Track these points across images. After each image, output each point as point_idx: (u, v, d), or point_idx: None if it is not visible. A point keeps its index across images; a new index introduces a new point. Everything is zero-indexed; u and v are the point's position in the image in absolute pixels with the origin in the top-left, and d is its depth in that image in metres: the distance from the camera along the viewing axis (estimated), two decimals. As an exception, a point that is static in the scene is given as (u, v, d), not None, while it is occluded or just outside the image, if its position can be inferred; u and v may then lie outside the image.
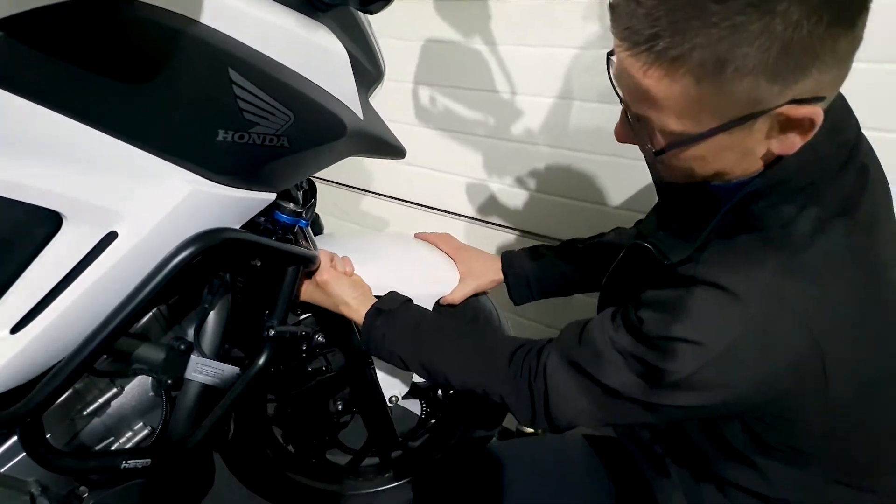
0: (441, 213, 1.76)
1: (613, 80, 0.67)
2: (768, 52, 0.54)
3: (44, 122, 0.63)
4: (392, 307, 0.94)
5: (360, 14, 0.93)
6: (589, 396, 0.77)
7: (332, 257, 1.00)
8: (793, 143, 0.61)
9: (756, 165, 0.66)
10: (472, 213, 1.69)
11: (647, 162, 0.85)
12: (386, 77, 0.99)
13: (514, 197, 1.60)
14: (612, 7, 0.61)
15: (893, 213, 0.74)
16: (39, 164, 0.65)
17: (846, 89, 0.66)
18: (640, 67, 0.60)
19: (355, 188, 1.96)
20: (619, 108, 0.72)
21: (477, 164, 1.64)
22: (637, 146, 0.72)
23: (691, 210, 0.74)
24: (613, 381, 0.74)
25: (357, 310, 0.95)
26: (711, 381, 0.67)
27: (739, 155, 0.65)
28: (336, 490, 1.35)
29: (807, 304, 0.64)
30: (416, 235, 1.24)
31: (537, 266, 1.17)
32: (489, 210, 1.66)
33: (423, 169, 1.76)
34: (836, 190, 0.67)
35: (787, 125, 0.60)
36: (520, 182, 1.58)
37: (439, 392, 1.37)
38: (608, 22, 0.63)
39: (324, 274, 0.97)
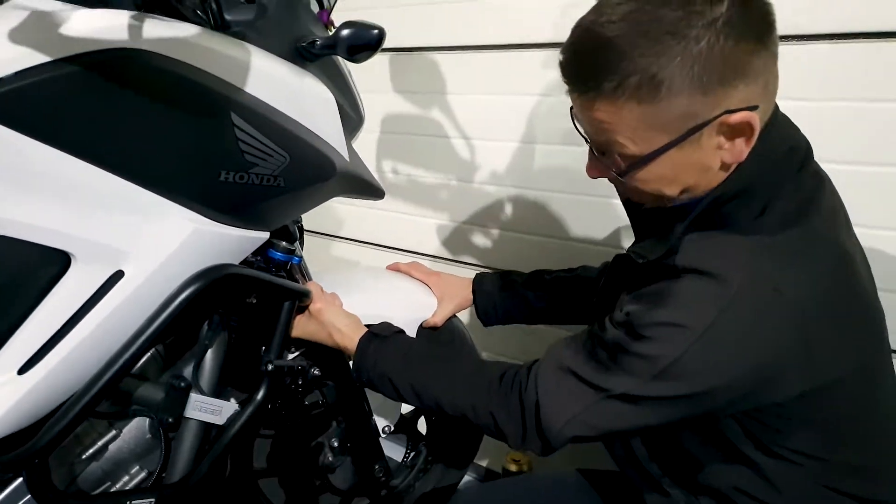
0: (412, 254, 1.80)
1: (576, 123, 0.76)
2: (692, 70, 0.63)
3: (55, 163, 0.66)
4: (385, 334, 0.97)
5: (342, 64, 0.99)
6: (580, 400, 0.77)
7: (321, 289, 1.03)
8: (740, 150, 0.69)
9: (717, 178, 0.73)
10: (443, 253, 1.75)
11: (618, 191, 0.91)
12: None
13: (483, 236, 1.67)
14: (560, 64, 0.72)
15: (849, 221, 0.81)
16: (50, 205, 0.67)
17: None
18: (589, 104, 0.70)
19: (325, 234, 2.00)
20: (580, 149, 0.81)
21: (446, 206, 1.70)
22: (606, 180, 0.79)
23: (663, 221, 0.79)
24: (603, 379, 0.75)
25: (350, 336, 0.97)
26: (698, 365, 0.70)
27: (698, 170, 0.72)
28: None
29: (786, 280, 0.68)
30: (389, 267, 1.29)
31: (504, 290, 1.22)
32: (459, 250, 1.72)
33: (392, 213, 1.81)
34: (797, 188, 0.74)
35: (731, 133, 0.68)
36: (488, 222, 1.64)
37: (420, 423, 1.39)
38: None
39: (317, 303, 0.99)
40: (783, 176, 0.73)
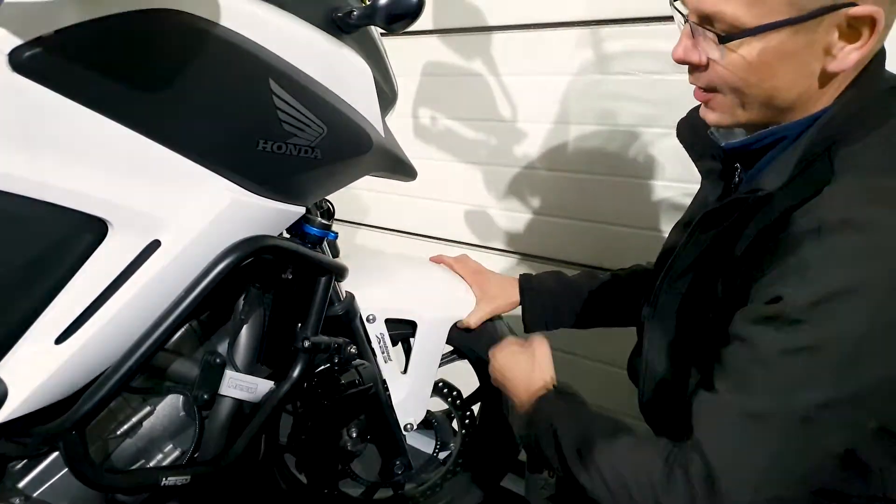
0: (440, 241, 1.78)
1: None
2: None
3: (94, 127, 0.65)
4: (569, 391, 0.90)
5: (378, 39, 0.97)
6: (764, 444, 0.62)
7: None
8: (849, 58, 0.64)
9: (810, 91, 0.68)
10: (472, 239, 1.72)
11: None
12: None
13: (514, 221, 1.64)
14: None
15: None
16: (90, 170, 0.66)
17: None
18: None
19: (350, 222, 1.98)
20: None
21: (474, 190, 1.68)
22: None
23: (750, 157, 0.75)
24: (783, 401, 0.61)
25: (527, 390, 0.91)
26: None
27: (798, 69, 0.66)
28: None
29: None
30: (432, 259, 1.24)
31: (557, 288, 1.14)
32: (489, 235, 1.69)
33: (420, 199, 1.79)
34: None
35: (847, 33, 0.63)
36: (518, 205, 1.62)
37: (454, 423, 1.36)
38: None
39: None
40: (886, 113, 0.68)
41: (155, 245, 0.72)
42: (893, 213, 0.61)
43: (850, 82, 0.69)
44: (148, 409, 0.86)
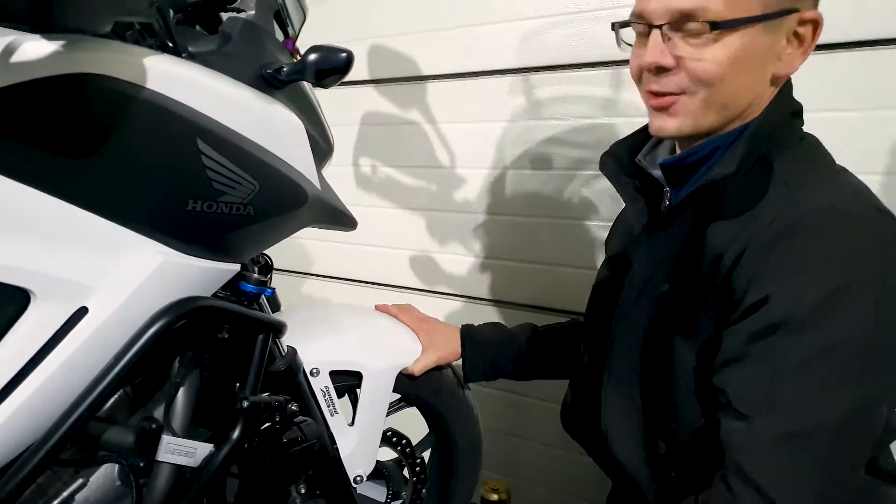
0: (384, 287, 1.78)
1: (643, 5, 0.75)
2: None
3: (12, 194, 0.63)
4: None
5: (311, 93, 0.98)
6: (815, 459, 0.60)
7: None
8: (792, 61, 0.74)
9: (757, 99, 0.76)
10: (416, 284, 1.73)
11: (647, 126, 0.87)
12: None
13: (456, 264, 1.66)
14: None
15: None
16: (7, 239, 0.64)
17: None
18: None
19: (295, 272, 1.96)
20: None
21: (416, 236, 1.69)
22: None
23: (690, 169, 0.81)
24: (823, 409, 0.60)
25: None
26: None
27: (758, 69, 0.74)
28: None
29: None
30: (377, 307, 1.24)
31: (497, 339, 1.17)
32: (433, 280, 1.70)
33: (363, 246, 1.79)
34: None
35: (795, 37, 0.73)
36: (460, 249, 1.64)
37: (405, 471, 1.35)
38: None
39: None
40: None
41: (82, 312, 0.70)
42: (855, 196, 0.69)
43: (771, 99, 0.78)
44: (80, 481, 0.82)
